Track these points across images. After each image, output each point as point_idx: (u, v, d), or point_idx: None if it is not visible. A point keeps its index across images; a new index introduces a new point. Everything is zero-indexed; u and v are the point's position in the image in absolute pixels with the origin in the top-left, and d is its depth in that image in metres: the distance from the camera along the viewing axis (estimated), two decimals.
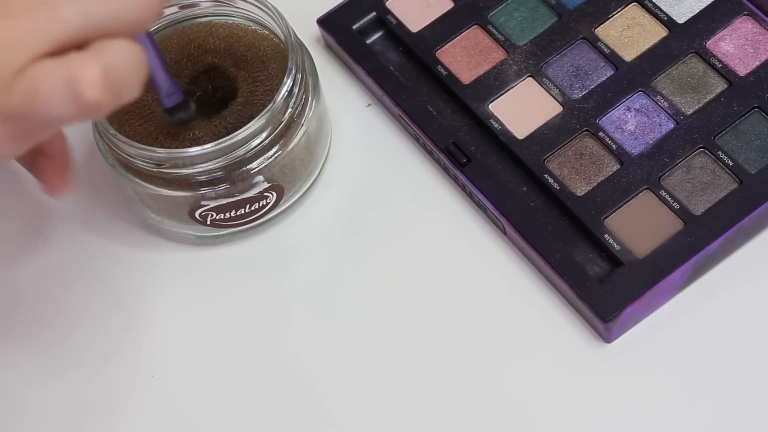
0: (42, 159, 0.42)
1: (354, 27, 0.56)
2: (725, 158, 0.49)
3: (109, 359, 0.51)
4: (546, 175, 0.50)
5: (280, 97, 0.48)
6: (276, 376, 0.49)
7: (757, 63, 0.51)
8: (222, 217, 0.50)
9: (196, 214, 0.50)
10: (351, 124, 0.55)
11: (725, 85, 0.51)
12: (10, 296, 0.53)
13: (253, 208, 0.50)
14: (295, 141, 0.49)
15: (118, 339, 0.51)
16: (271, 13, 0.50)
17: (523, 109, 0.52)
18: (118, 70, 0.34)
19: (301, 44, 0.51)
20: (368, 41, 0.56)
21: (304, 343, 0.50)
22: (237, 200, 0.49)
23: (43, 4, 0.33)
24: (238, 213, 0.50)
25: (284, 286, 0.51)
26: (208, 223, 0.50)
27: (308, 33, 0.57)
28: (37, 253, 0.54)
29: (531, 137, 0.51)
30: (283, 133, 0.49)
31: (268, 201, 0.50)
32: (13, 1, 0.34)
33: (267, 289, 0.51)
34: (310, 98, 0.50)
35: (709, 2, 0.53)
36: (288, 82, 0.48)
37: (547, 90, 0.52)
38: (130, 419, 0.49)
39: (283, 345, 0.50)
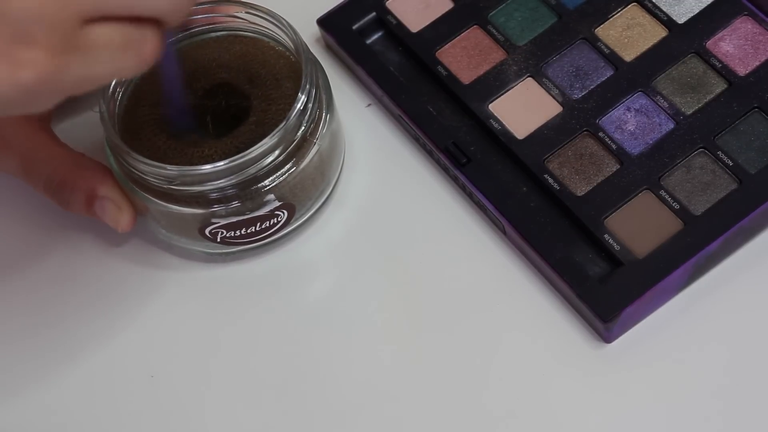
0: (99, 202, 0.50)
1: (354, 27, 0.56)
2: (725, 158, 0.49)
3: (111, 364, 0.51)
4: (546, 175, 0.50)
5: (294, 113, 0.48)
6: (280, 387, 0.49)
7: (757, 63, 0.51)
8: (232, 234, 0.50)
9: (207, 232, 0.49)
10: (351, 125, 0.55)
11: (725, 86, 0.51)
12: (17, 302, 0.53)
13: (263, 226, 0.50)
14: (307, 159, 0.49)
15: (122, 348, 0.51)
16: (285, 29, 0.50)
17: (523, 109, 0.52)
18: (161, 43, 0.39)
19: (315, 61, 0.50)
20: (368, 41, 0.56)
21: (311, 357, 0.49)
22: (248, 218, 0.49)
23: None
24: (248, 231, 0.50)
25: (293, 303, 0.51)
26: (219, 240, 0.50)
27: (308, 33, 0.57)
28: (47, 262, 0.54)
29: (531, 137, 0.51)
30: (295, 152, 0.49)
31: (279, 219, 0.50)
32: None
33: (276, 306, 0.51)
34: (323, 115, 0.50)
35: (709, 2, 0.53)
36: (302, 98, 0.48)
37: (547, 90, 0.52)
38: (130, 420, 0.49)
39: (288, 358, 0.50)
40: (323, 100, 0.50)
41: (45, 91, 0.37)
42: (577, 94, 0.52)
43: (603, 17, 0.54)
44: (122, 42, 0.37)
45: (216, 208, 0.48)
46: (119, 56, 0.38)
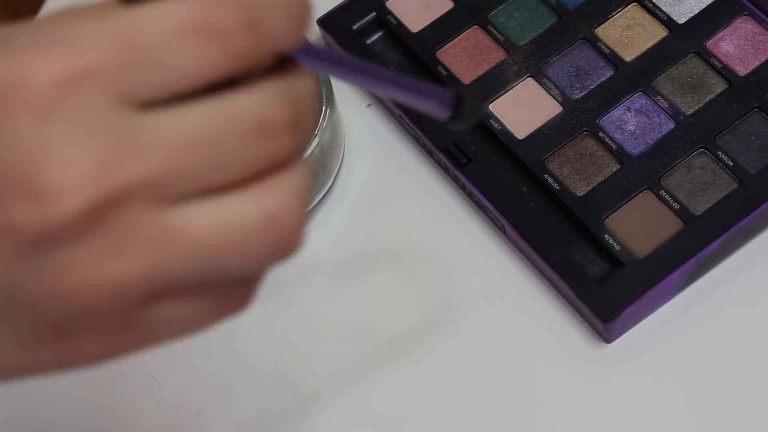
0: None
1: (354, 27, 0.56)
2: (725, 158, 0.49)
3: (111, 364, 0.51)
4: (546, 175, 0.50)
5: None
6: (279, 382, 0.49)
7: (757, 63, 0.51)
8: None
9: None
10: (351, 124, 0.55)
11: (725, 86, 0.51)
12: None
13: None
14: (308, 151, 0.49)
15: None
16: None
17: (523, 109, 0.52)
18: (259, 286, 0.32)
19: None
20: (368, 41, 0.56)
21: (311, 350, 0.50)
22: None
23: (158, 239, 0.26)
24: None
25: (294, 296, 0.51)
26: None
27: (308, 33, 0.57)
28: None
29: (531, 137, 0.51)
30: None
31: None
32: (123, 232, 0.26)
33: (277, 299, 0.51)
34: (323, 107, 0.50)
35: (709, 2, 0.53)
36: None
37: (547, 90, 0.52)
38: (130, 419, 0.49)
39: (288, 352, 0.50)
40: (323, 92, 0.50)
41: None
42: (577, 94, 0.52)
43: (603, 17, 0.54)
44: (196, 314, 0.29)
45: None
46: (193, 326, 0.30)
